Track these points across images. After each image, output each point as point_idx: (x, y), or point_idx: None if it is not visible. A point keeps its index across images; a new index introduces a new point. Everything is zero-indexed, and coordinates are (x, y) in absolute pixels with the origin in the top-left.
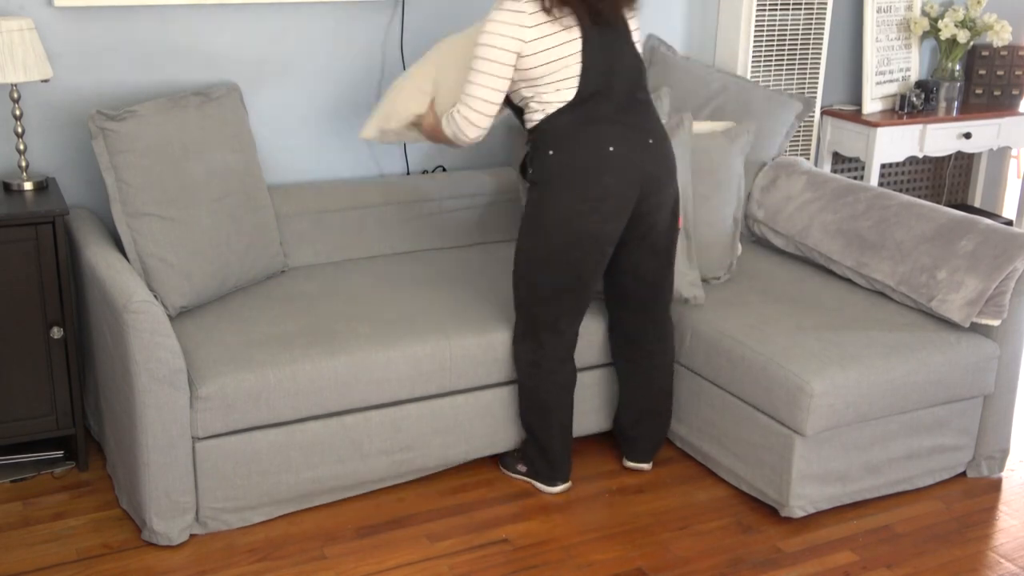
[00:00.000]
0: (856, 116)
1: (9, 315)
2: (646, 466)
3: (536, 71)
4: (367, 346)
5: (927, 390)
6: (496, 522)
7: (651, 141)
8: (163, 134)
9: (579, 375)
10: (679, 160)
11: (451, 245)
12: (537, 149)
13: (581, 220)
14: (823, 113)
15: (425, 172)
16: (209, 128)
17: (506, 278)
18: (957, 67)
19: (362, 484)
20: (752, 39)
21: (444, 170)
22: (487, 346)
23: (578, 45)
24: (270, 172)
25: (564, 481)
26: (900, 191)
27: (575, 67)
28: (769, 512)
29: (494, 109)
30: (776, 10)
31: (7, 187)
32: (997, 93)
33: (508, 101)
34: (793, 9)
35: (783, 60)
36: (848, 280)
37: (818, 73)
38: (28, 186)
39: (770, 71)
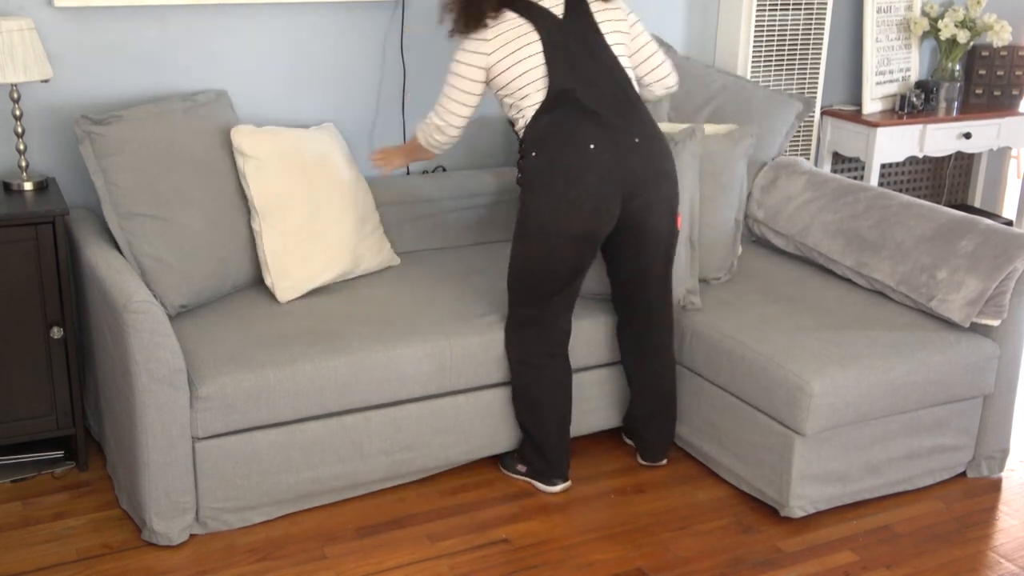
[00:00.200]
0: (856, 116)
1: (9, 315)
2: (663, 462)
3: (505, 77)
4: (367, 346)
5: (927, 390)
6: (496, 522)
7: (637, 140)
8: (150, 137)
9: (580, 375)
10: (688, 169)
11: (451, 245)
12: (523, 153)
13: (560, 222)
14: (823, 113)
15: (425, 172)
16: (197, 131)
17: (505, 277)
18: (957, 67)
19: (362, 484)
20: (752, 39)
21: (444, 170)
22: (487, 346)
23: (539, 47)
24: None
25: (563, 480)
26: (900, 191)
27: (540, 68)
28: (769, 512)
29: (461, 121)
30: (776, 10)
31: (7, 187)
32: (997, 93)
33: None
34: (793, 9)
35: (783, 60)
36: (848, 280)
37: (818, 73)
38: (28, 186)
39: (770, 71)
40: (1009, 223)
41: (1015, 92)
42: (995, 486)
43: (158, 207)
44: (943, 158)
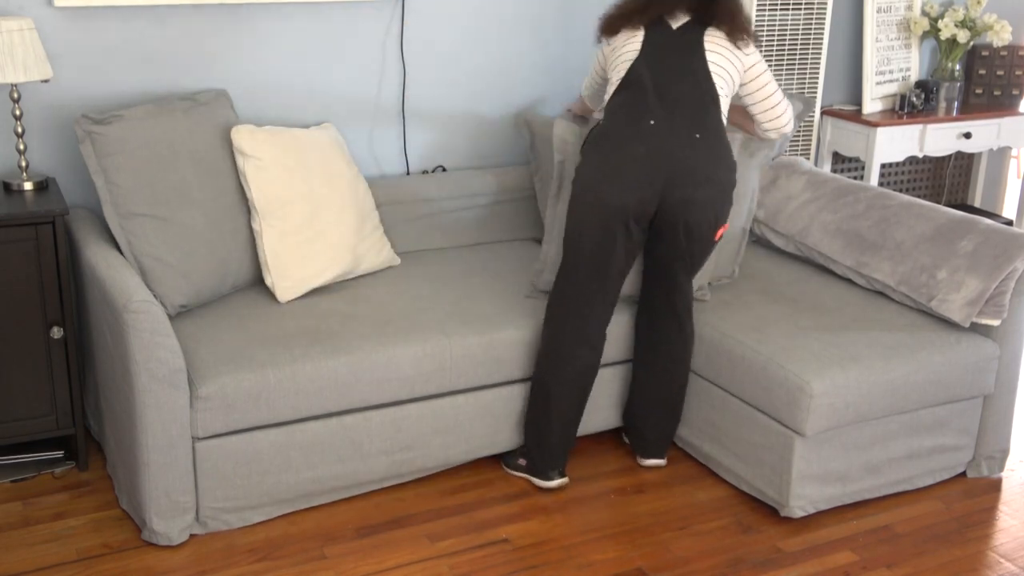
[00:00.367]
0: (856, 116)
1: (9, 315)
2: (661, 461)
3: (609, 65)
4: (367, 346)
5: (927, 390)
6: (496, 522)
7: (698, 136)
8: (151, 136)
9: None
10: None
11: (451, 245)
12: (594, 125)
13: (600, 186)
14: (823, 113)
15: (425, 172)
16: (197, 131)
17: (505, 277)
18: (957, 67)
19: (362, 484)
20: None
21: (444, 170)
22: (487, 346)
23: (639, 43)
24: None
25: (560, 476)
26: (900, 191)
27: (632, 55)
28: (769, 512)
29: (588, 85)
30: (776, 10)
31: (7, 187)
32: (997, 93)
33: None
34: (793, 9)
35: (783, 60)
36: (848, 280)
37: (818, 73)
38: (28, 186)
39: (770, 71)
40: (1009, 223)
41: (1015, 92)
42: (995, 486)
43: (158, 207)
44: (943, 158)
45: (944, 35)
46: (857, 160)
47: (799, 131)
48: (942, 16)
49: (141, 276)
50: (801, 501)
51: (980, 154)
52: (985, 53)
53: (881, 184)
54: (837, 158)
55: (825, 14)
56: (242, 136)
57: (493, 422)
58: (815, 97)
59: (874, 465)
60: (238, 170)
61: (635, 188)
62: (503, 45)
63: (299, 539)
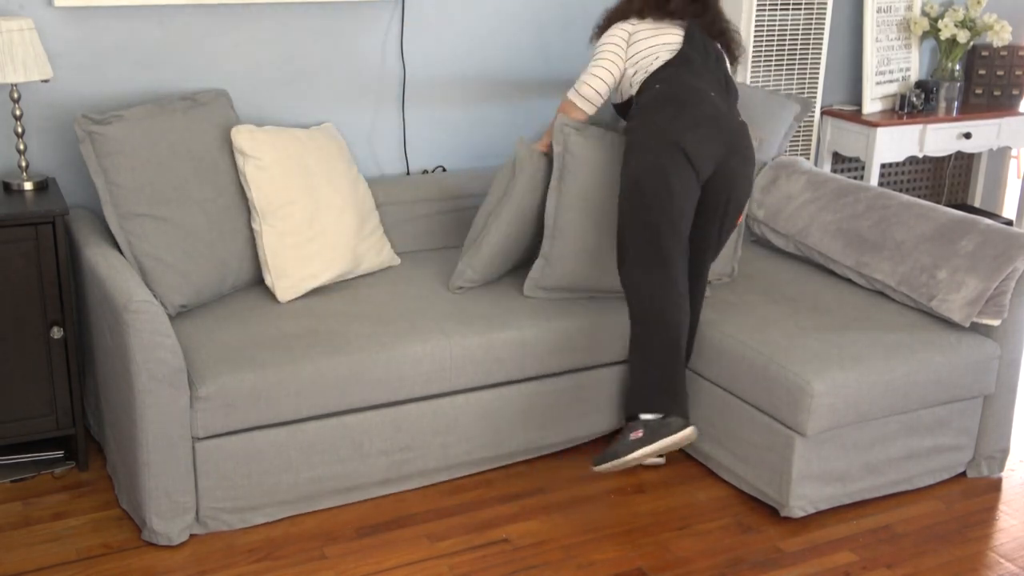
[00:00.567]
0: (856, 116)
1: (9, 315)
2: (661, 460)
3: (643, 44)
4: (367, 346)
5: (927, 390)
6: (496, 522)
7: (740, 120)
8: (151, 136)
9: (584, 375)
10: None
11: (451, 245)
12: (642, 92)
13: (682, 133)
14: (823, 113)
15: (425, 172)
16: (197, 131)
17: (505, 277)
18: (957, 67)
19: (362, 484)
20: (752, 39)
21: (444, 170)
22: (487, 346)
23: (681, 35)
24: None
25: (688, 422)
26: (900, 191)
27: (676, 45)
28: (769, 512)
29: (615, 68)
30: (776, 10)
31: (7, 187)
32: (997, 93)
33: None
34: (793, 9)
35: (783, 60)
36: (848, 280)
37: (818, 73)
38: (28, 186)
39: (770, 71)
40: (1009, 223)
41: (1015, 92)
42: (995, 486)
43: (158, 207)
44: (943, 158)
45: (944, 35)
46: (857, 160)
47: (799, 131)
48: (942, 16)
49: (141, 276)
50: (801, 501)
51: (980, 154)
52: (985, 53)
53: (881, 184)
54: (837, 158)
55: (825, 14)
56: (242, 136)
57: (493, 422)
58: (814, 98)
59: (874, 465)
60: (238, 170)
61: (709, 144)
62: (503, 45)
63: (299, 539)
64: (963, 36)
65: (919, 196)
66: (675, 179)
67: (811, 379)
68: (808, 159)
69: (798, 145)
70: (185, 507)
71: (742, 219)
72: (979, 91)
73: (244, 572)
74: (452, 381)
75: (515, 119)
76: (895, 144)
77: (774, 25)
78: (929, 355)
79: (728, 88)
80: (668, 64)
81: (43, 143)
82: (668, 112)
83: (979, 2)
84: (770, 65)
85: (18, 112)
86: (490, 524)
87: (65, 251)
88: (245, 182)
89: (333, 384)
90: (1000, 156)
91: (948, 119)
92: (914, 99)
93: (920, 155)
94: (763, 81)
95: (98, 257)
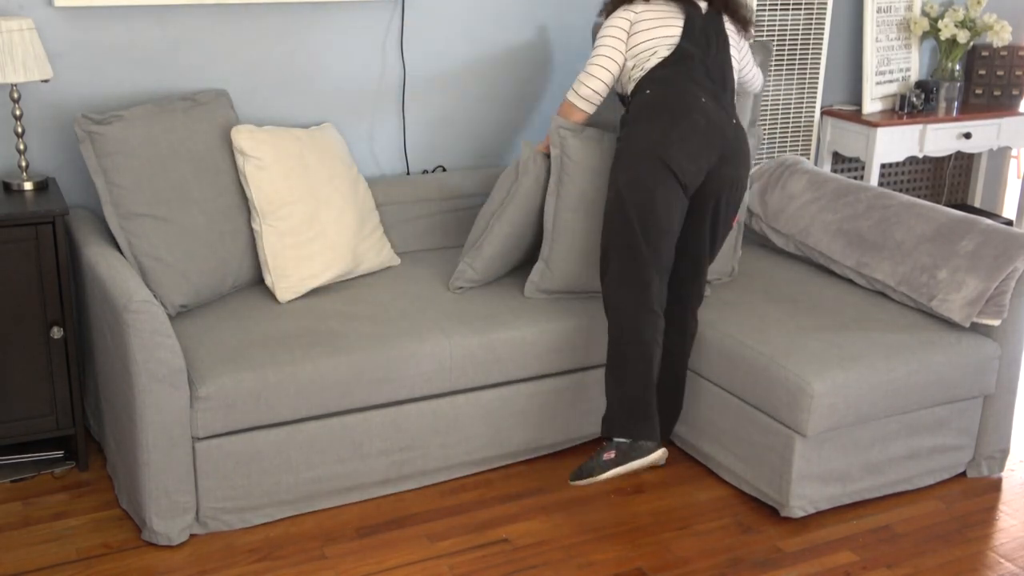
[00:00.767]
0: (856, 116)
1: (9, 315)
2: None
3: (644, 35)
4: (367, 346)
5: (927, 390)
6: (496, 522)
7: (734, 122)
8: (151, 136)
9: (579, 375)
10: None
11: (451, 245)
12: (635, 94)
13: (669, 148)
14: (823, 113)
15: (425, 172)
16: (197, 131)
17: (505, 277)
18: (957, 67)
19: (362, 484)
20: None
21: (444, 170)
22: (487, 346)
23: (681, 24)
24: None
25: (658, 445)
26: (900, 191)
27: (674, 39)
28: (769, 512)
29: (613, 66)
30: (776, 10)
31: (7, 187)
32: (997, 93)
33: (618, 95)
34: (793, 9)
35: (783, 60)
36: (849, 280)
37: (818, 73)
38: (28, 186)
39: (770, 71)
40: (1009, 223)
41: (1015, 92)
42: (995, 486)
43: (158, 207)
44: (943, 158)
45: (944, 35)
46: (857, 160)
47: (799, 131)
48: (942, 16)
49: (141, 276)
50: (801, 501)
51: (980, 154)
52: (985, 53)
53: (881, 184)
54: (837, 158)
55: (825, 14)
56: (242, 136)
57: (493, 422)
58: (815, 99)
59: (874, 465)
60: (238, 170)
61: (698, 157)
62: (504, 45)
63: (299, 539)
64: (963, 36)
65: (919, 196)
66: (659, 196)
67: (811, 379)
68: (808, 159)
69: (798, 145)
70: (185, 507)
71: (739, 219)
72: (979, 91)
73: (244, 572)
74: (452, 381)
75: (515, 119)
76: (895, 144)
77: (774, 25)
78: (929, 355)
79: (725, 84)
80: (664, 63)
81: (43, 143)
82: (657, 125)
83: (979, 2)
84: (770, 65)
85: (18, 112)
86: (490, 524)
87: (65, 251)
88: (245, 182)
89: (333, 384)
90: (1000, 156)
91: (948, 119)
92: (914, 99)
93: (920, 155)
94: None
95: (98, 257)
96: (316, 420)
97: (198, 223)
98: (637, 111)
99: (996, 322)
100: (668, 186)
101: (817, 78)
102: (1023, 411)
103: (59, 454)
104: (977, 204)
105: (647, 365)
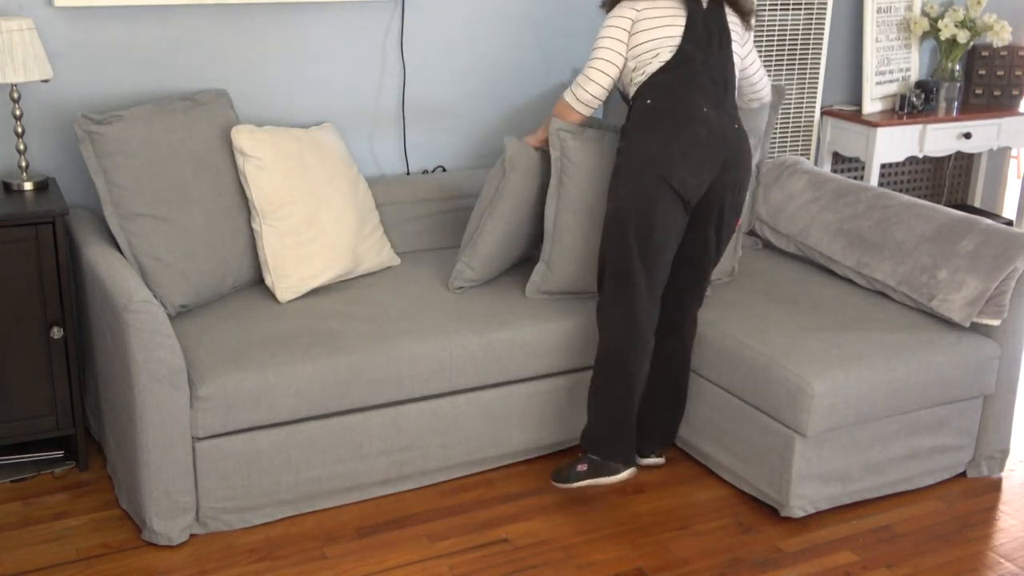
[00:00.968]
0: (856, 116)
1: (9, 315)
2: (660, 460)
3: (645, 35)
4: (367, 346)
5: (928, 390)
6: (496, 522)
7: (736, 127)
8: (151, 136)
9: (584, 375)
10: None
11: (451, 245)
12: (636, 101)
13: (670, 164)
14: (823, 113)
15: (425, 172)
16: (197, 131)
17: (505, 277)
18: (957, 67)
19: (362, 484)
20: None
21: (444, 170)
22: (487, 346)
23: (683, 22)
24: None
25: (628, 465)
26: (900, 191)
27: (676, 39)
28: (769, 512)
29: (613, 69)
30: (776, 10)
31: (7, 187)
32: (997, 93)
33: (620, 92)
34: (793, 9)
35: (783, 60)
36: (849, 280)
37: (818, 73)
38: (28, 186)
39: (770, 71)
40: (1009, 223)
41: (1015, 92)
42: (995, 486)
43: (158, 207)
44: (943, 158)
45: (944, 35)
46: (857, 160)
47: (799, 131)
48: (942, 16)
49: (141, 276)
50: (801, 501)
51: (980, 154)
52: (985, 53)
53: (881, 184)
54: (837, 158)
55: (825, 14)
56: (242, 136)
57: (493, 422)
58: (815, 98)
59: (874, 465)
60: (238, 170)
61: (700, 170)
62: (504, 44)
63: (299, 539)
64: (963, 36)
65: (919, 196)
66: (659, 212)
67: (811, 379)
68: (808, 159)
69: (798, 145)
70: (185, 507)
71: (741, 222)
72: (979, 91)
73: (244, 572)
74: (452, 381)
75: (515, 119)
76: (895, 144)
77: (774, 25)
78: (929, 355)
79: (727, 84)
80: (666, 67)
81: (43, 143)
82: (658, 138)
83: (979, 2)
84: (770, 65)
85: (18, 112)
86: (490, 524)
87: (65, 251)
88: (245, 182)
89: (333, 384)
90: (1000, 156)
91: (948, 119)
92: (914, 99)
93: (920, 155)
94: None
95: (98, 257)
96: (316, 420)
97: (198, 223)
98: (638, 121)
99: (996, 322)
100: (668, 202)
101: (817, 78)
102: (1023, 411)
103: (59, 454)
104: (977, 204)
105: (627, 392)
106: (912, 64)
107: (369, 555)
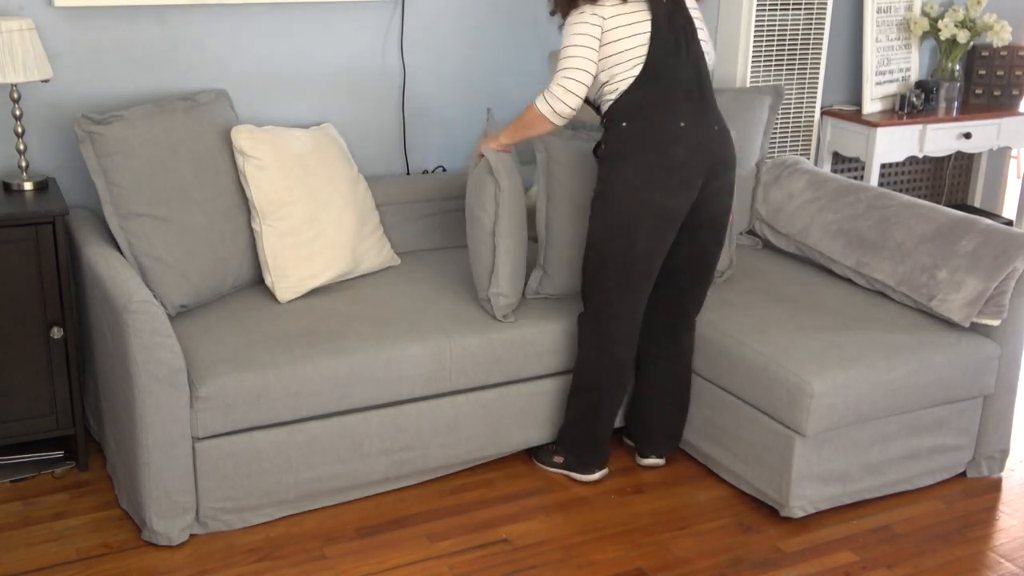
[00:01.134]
0: (856, 116)
1: (9, 315)
2: (660, 461)
3: (615, 47)
4: (367, 346)
5: (927, 390)
6: (496, 522)
7: (717, 128)
8: (151, 136)
9: None
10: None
11: (451, 245)
12: (611, 123)
13: (651, 192)
14: (823, 113)
15: (425, 172)
16: (197, 131)
17: None
18: (957, 67)
19: (362, 484)
20: (752, 39)
21: (444, 170)
22: (487, 346)
23: (648, 26)
24: None
25: (601, 468)
26: (900, 191)
27: (644, 47)
28: (769, 512)
29: (588, 78)
30: (776, 10)
31: (7, 187)
32: (997, 93)
33: (587, 100)
34: (793, 9)
35: (783, 60)
36: (848, 280)
37: (818, 73)
38: (28, 186)
39: (770, 71)
40: (1009, 223)
41: (1015, 92)
42: (995, 486)
43: (158, 207)
44: (943, 158)
45: (944, 35)
46: (857, 160)
47: (799, 131)
48: (942, 16)
49: (141, 276)
50: (801, 501)
51: (980, 154)
52: (985, 53)
53: (881, 184)
54: (837, 158)
55: (825, 14)
56: (242, 136)
57: (493, 422)
58: (815, 97)
59: (874, 465)
60: (238, 170)
61: (683, 191)
62: (503, 44)
63: (299, 539)
64: (963, 36)
65: (919, 196)
66: (641, 240)
67: (811, 379)
68: (808, 159)
69: (798, 145)
70: (185, 507)
71: (733, 217)
72: (979, 91)
73: (244, 572)
74: (452, 381)
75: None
76: (895, 144)
77: (774, 25)
78: (929, 355)
79: (702, 81)
80: (639, 81)
81: (43, 143)
82: (637, 167)
83: (979, 2)
84: (770, 65)
85: (18, 112)
86: (490, 524)
87: (65, 251)
88: (245, 182)
89: (333, 384)
90: (1000, 156)
91: (948, 119)
92: (914, 99)
93: (920, 155)
94: (763, 81)
95: (98, 257)
96: (316, 420)
97: (198, 223)
98: (616, 146)
99: (996, 322)
100: (652, 229)
101: (817, 78)
102: (1023, 411)
103: (59, 454)
104: (977, 204)
105: (599, 407)
106: (912, 64)
107: (369, 555)
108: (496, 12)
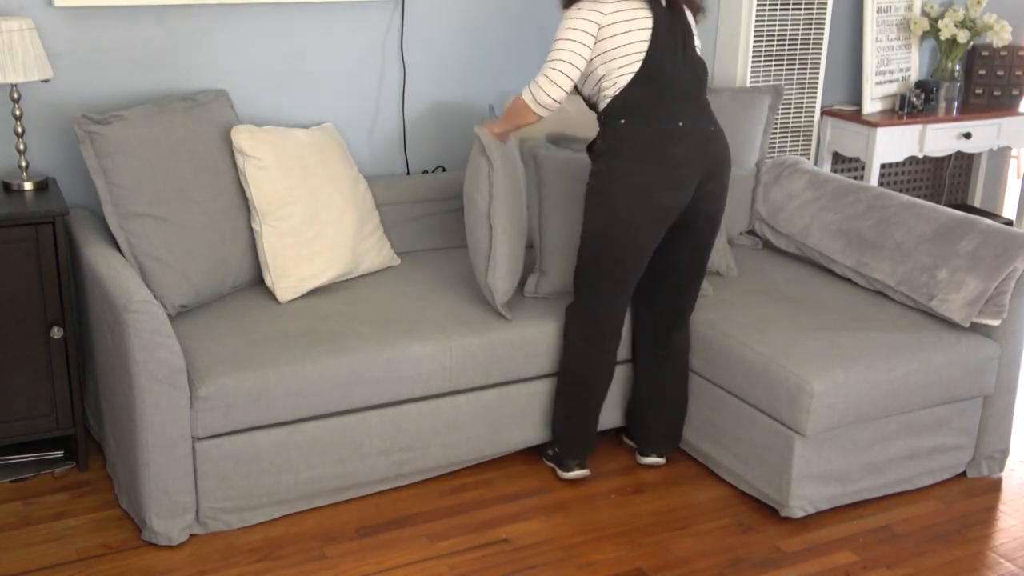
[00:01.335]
0: (856, 116)
1: (9, 315)
2: (661, 460)
3: (613, 41)
4: (367, 346)
5: (927, 390)
6: (496, 522)
7: (713, 128)
8: (151, 136)
9: None
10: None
11: (451, 245)
12: (608, 120)
13: (649, 192)
14: (823, 113)
15: (425, 172)
16: (197, 131)
17: None
18: (957, 67)
19: (362, 484)
20: (752, 39)
21: (444, 170)
22: (487, 346)
23: (649, 24)
24: None
25: (580, 467)
26: (900, 191)
27: (645, 44)
28: (769, 512)
29: (575, 72)
30: (776, 10)
31: (7, 187)
32: (997, 93)
33: (584, 96)
34: (793, 9)
35: (783, 60)
36: (848, 280)
37: (818, 73)
38: (28, 186)
39: (770, 71)
40: (1009, 223)
41: (1015, 92)
42: (995, 486)
43: (158, 207)
44: (943, 158)
45: (944, 35)
46: (857, 160)
47: (799, 131)
48: (942, 16)
49: (141, 276)
50: (801, 501)
51: (980, 154)
52: (985, 53)
53: (881, 184)
54: (837, 158)
55: (825, 14)
56: (242, 136)
57: (493, 422)
58: (815, 97)
59: (874, 465)
60: (238, 170)
61: (682, 190)
62: (504, 45)
63: (299, 539)
64: (963, 36)
65: (919, 196)
66: (635, 237)
67: (811, 379)
68: (808, 159)
69: (798, 145)
70: (185, 507)
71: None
72: (979, 91)
73: (244, 572)
74: (452, 381)
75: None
76: (895, 144)
77: (774, 25)
78: (929, 355)
79: (700, 82)
80: (638, 78)
81: (43, 143)
82: (635, 165)
83: (979, 2)
84: (770, 65)
85: (18, 112)
86: (490, 524)
87: (65, 251)
88: (245, 182)
89: (333, 384)
90: (1000, 156)
91: (948, 119)
92: (914, 99)
93: (920, 155)
94: (763, 81)
95: (98, 257)
96: (316, 420)
97: (198, 223)
98: (613, 144)
99: (996, 322)
100: (646, 227)
101: (817, 78)
102: (1023, 411)
103: (59, 454)
104: (977, 204)
105: (584, 403)
106: (912, 64)
107: (369, 555)
108: (496, 12)
